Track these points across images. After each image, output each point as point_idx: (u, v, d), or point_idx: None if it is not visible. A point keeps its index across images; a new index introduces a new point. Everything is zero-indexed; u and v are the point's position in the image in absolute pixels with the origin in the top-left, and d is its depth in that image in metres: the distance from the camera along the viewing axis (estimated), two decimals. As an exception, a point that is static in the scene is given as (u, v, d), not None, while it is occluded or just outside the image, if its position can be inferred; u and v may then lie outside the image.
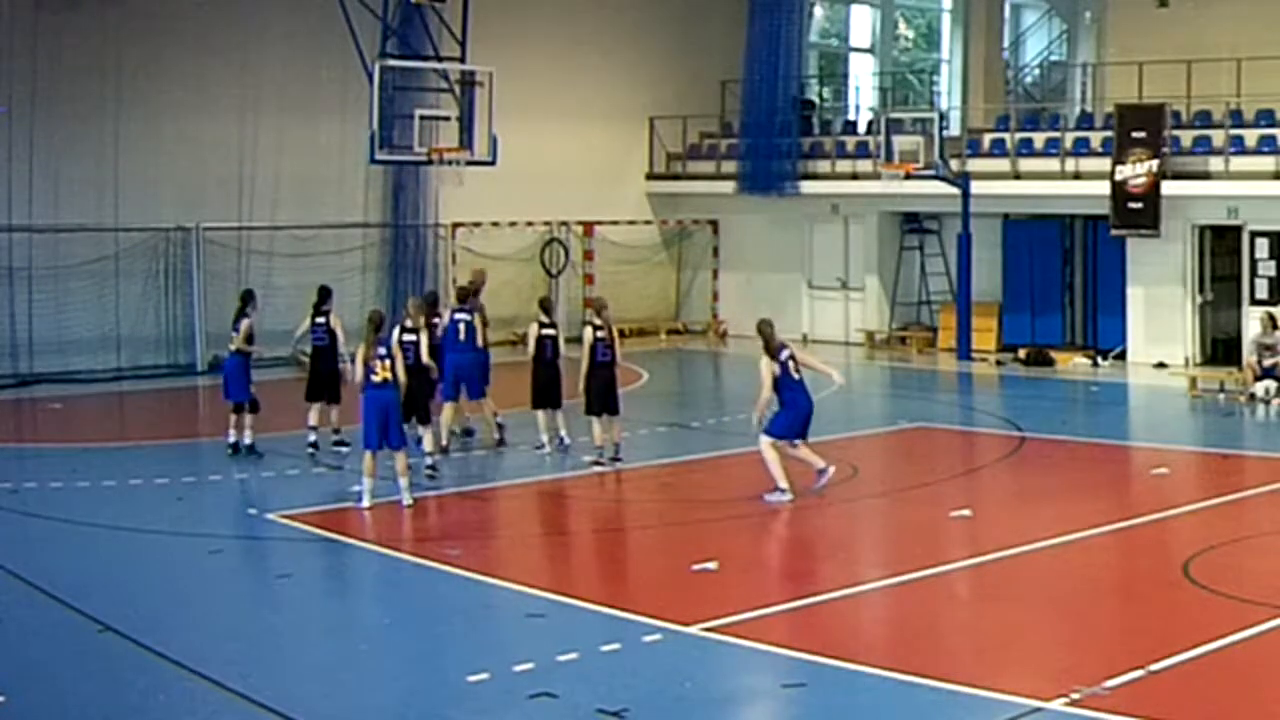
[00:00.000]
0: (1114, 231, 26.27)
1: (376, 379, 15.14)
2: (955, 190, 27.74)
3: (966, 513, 15.17)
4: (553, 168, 30.13)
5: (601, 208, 31.75)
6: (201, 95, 26.25)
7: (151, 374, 25.68)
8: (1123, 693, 9.42)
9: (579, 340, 17.75)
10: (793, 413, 15.68)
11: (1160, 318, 26.48)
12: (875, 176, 28.46)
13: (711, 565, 12.82)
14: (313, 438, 17.93)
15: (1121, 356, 27.06)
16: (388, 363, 15.19)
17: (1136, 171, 25.68)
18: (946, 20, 37.79)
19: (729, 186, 31.51)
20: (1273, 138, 25.26)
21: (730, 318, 32.53)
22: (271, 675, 10.18)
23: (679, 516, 15.37)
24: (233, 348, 18.20)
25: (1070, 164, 27.38)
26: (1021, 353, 27.81)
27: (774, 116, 30.69)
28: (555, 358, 18.07)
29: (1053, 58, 37.45)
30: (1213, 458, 19.11)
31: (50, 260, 24.78)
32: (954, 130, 30.57)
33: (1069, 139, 27.79)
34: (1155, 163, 25.51)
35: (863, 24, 37.10)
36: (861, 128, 31.91)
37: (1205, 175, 25.65)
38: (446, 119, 24.32)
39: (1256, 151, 25.35)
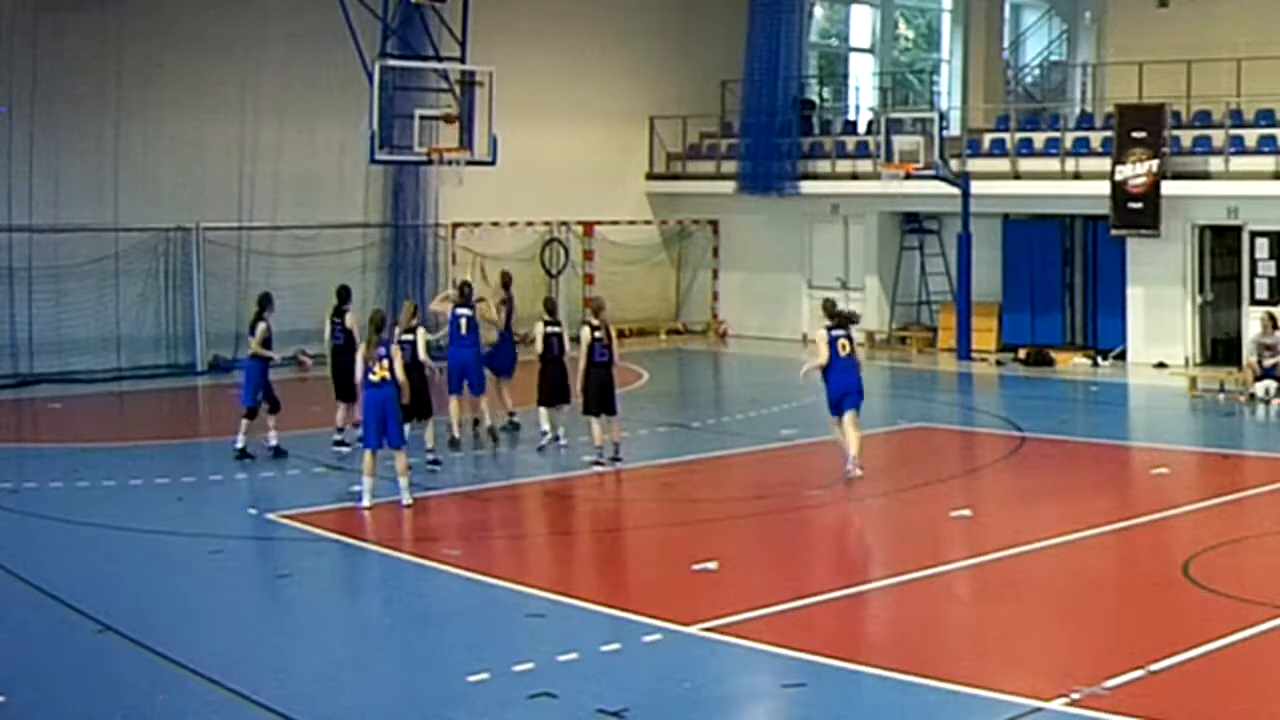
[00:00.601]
0: (1114, 231, 26.27)
1: (375, 378, 15.21)
2: (955, 190, 27.74)
3: (966, 513, 15.17)
4: (553, 168, 30.13)
5: (601, 208, 31.76)
6: (201, 95, 26.25)
7: (151, 374, 25.68)
8: (1123, 693, 9.42)
9: (577, 340, 17.81)
10: (829, 389, 16.67)
11: (1160, 318, 26.47)
12: (875, 176, 28.45)
13: (711, 565, 12.82)
14: (338, 436, 18.16)
15: (1121, 356, 27.06)
16: (386, 362, 15.24)
17: (1136, 171, 25.69)
18: (946, 20, 37.81)
19: (729, 186, 31.52)
20: (1273, 138, 25.26)
21: (730, 318, 32.54)
22: (271, 675, 10.18)
23: (679, 516, 15.38)
24: (250, 352, 18.15)
25: (1070, 164, 27.38)
26: (1021, 353, 27.82)
27: (774, 116, 30.69)
28: (561, 355, 18.30)
29: (1053, 58, 37.46)
30: (1213, 458, 19.11)
31: (50, 260, 24.77)
32: (954, 130, 30.58)
33: (1069, 139, 27.79)
34: (1155, 163, 25.51)
35: (863, 24, 37.11)
36: (861, 128, 31.92)
37: (1205, 175, 25.65)
38: (446, 119, 24.31)
39: (1256, 151, 25.35)
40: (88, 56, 24.89)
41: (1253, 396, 22.47)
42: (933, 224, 30.49)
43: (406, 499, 15.26)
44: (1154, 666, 9.88)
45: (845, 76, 37.39)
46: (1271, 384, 22.41)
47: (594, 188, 31.49)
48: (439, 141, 24.39)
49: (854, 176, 30.05)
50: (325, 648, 11.06)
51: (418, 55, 24.80)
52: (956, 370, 27.53)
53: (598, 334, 17.33)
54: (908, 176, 27.55)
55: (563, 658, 10.36)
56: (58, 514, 15.05)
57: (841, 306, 17.78)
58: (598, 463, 17.42)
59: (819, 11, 35.62)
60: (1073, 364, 27.09)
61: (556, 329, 18.42)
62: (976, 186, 27.75)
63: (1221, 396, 23.19)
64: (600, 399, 17.38)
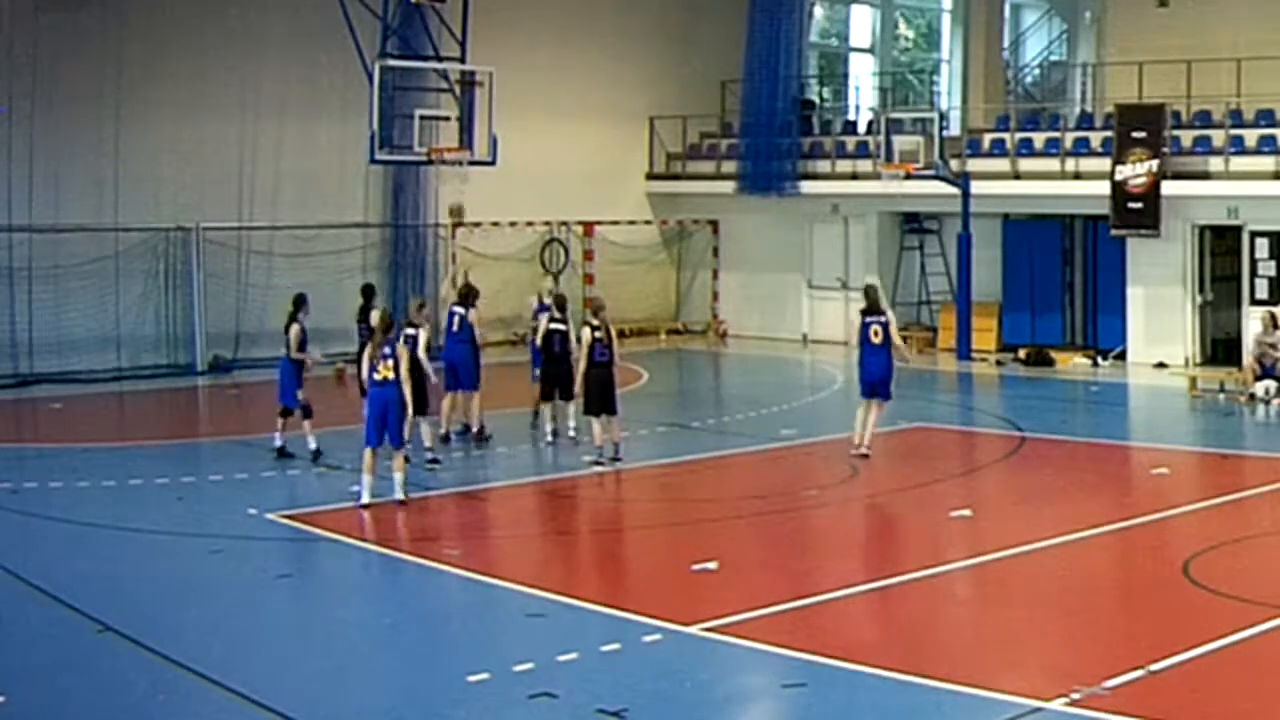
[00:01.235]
0: (1114, 231, 26.27)
1: (378, 377, 15.24)
2: (955, 190, 27.74)
3: (966, 513, 15.17)
4: (553, 168, 30.14)
5: (601, 208, 31.76)
6: (201, 95, 26.25)
7: (151, 374, 25.69)
8: (1123, 693, 9.42)
9: (577, 340, 17.86)
10: (860, 373, 18.10)
11: (1160, 318, 26.48)
12: (875, 176, 28.45)
13: (711, 565, 12.82)
14: None
15: (1121, 356, 27.06)
16: (390, 362, 15.26)
17: (1136, 171, 25.69)
18: (946, 20, 37.81)
19: (729, 186, 31.52)
20: (1273, 138, 25.26)
21: (730, 318, 32.55)
22: (271, 675, 10.18)
23: (679, 516, 15.37)
24: (285, 353, 18.11)
25: (1070, 164, 27.38)
26: (1021, 353, 27.82)
27: (774, 116, 30.69)
28: (565, 353, 18.35)
29: (1053, 58, 37.45)
30: (1213, 458, 19.10)
31: (50, 260, 24.77)
32: (954, 130, 30.58)
33: (1069, 139, 27.79)
34: (1155, 163, 25.51)
35: (863, 24, 37.12)
36: (861, 128, 31.92)
37: (1205, 175, 25.65)
38: (446, 119, 24.33)
39: (1256, 151, 25.35)
40: (88, 56, 24.89)
41: (1253, 396, 22.47)
42: (933, 224, 30.50)
43: (400, 494, 15.29)
44: (1154, 666, 9.88)
45: (845, 76, 37.40)
46: (1271, 384, 22.42)
47: (594, 188, 31.50)
48: (439, 141, 24.40)
49: (854, 176, 30.05)
50: (325, 648, 11.05)
51: (418, 55, 24.82)
52: (956, 370, 27.53)
53: (597, 334, 17.37)
54: (908, 176, 27.54)
55: (563, 658, 10.36)
56: (58, 514, 15.06)
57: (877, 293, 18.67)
58: (598, 462, 17.43)
59: (819, 11, 35.62)
60: (1073, 364, 27.09)
61: (562, 326, 18.50)
62: (976, 186, 27.75)
63: (1221, 396, 23.19)
64: (601, 399, 17.41)
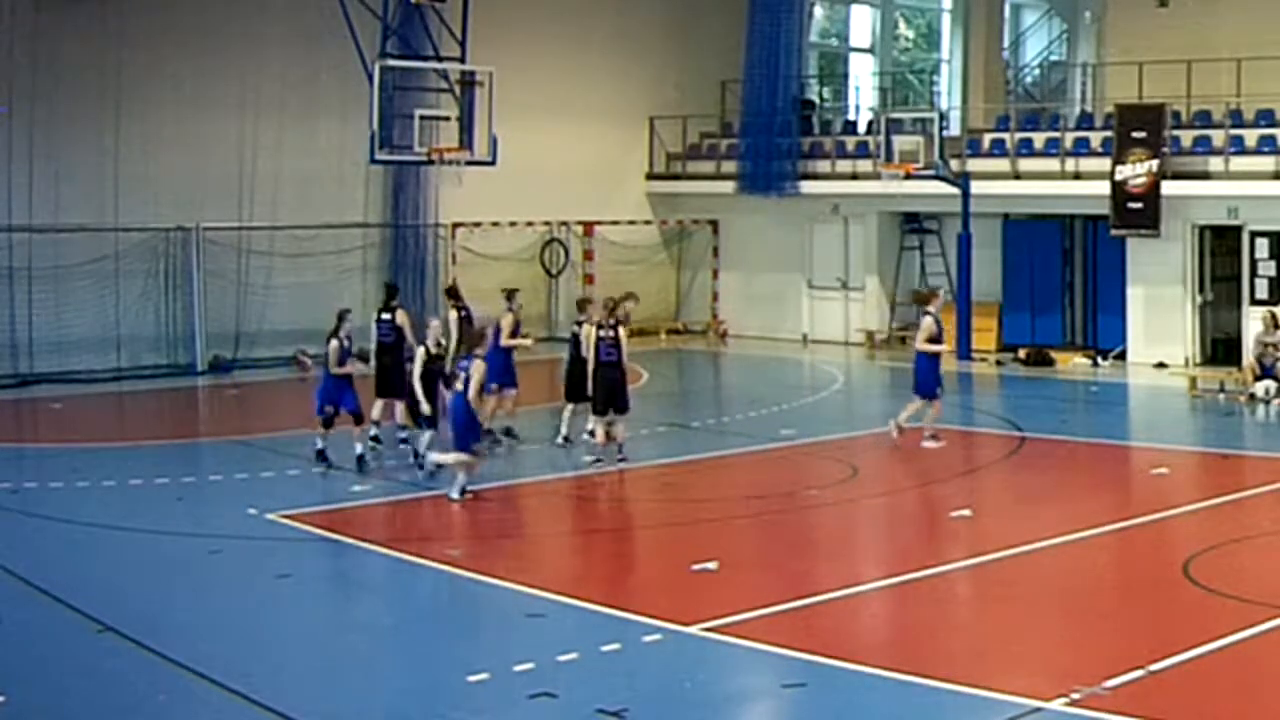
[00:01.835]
0: (1114, 231, 26.27)
1: (459, 386, 15.60)
2: (955, 190, 27.74)
3: (966, 513, 15.16)
4: (553, 168, 30.12)
5: (601, 208, 31.76)
6: (201, 95, 26.24)
7: (152, 374, 25.67)
8: (1123, 693, 9.42)
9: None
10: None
11: (1160, 318, 26.47)
12: (875, 176, 28.44)
13: (711, 565, 12.82)
14: (374, 431, 18.00)
15: (1121, 356, 27.05)
16: (464, 376, 15.51)
17: (1136, 171, 25.69)
18: (946, 20, 37.79)
19: (729, 186, 31.50)
20: (1273, 138, 25.26)
21: (730, 318, 32.54)
22: (271, 675, 10.17)
23: (679, 516, 15.37)
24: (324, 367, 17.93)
25: (1070, 164, 27.38)
26: (1021, 353, 27.82)
27: (774, 116, 30.67)
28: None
29: (1053, 58, 37.45)
30: (1213, 458, 19.10)
31: (50, 260, 24.75)
32: (954, 130, 30.58)
33: (1069, 139, 27.79)
34: (1155, 163, 25.51)
35: (863, 24, 37.10)
36: (861, 128, 31.91)
37: (1205, 175, 25.65)
38: (446, 119, 24.32)
39: (1256, 151, 25.35)
40: (88, 56, 24.87)
41: (1253, 396, 22.47)
42: (933, 224, 30.50)
43: (454, 493, 15.47)
44: (1154, 666, 9.88)
45: (845, 76, 37.38)
46: (1271, 384, 22.42)
47: (594, 188, 31.49)
48: (439, 141, 24.39)
49: (854, 176, 30.04)
50: (325, 648, 11.05)
51: (418, 55, 24.80)
52: (956, 370, 27.48)
53: (602, 333, 17.37)
54: (908, 176, 27.54)
55: (563, 658, 10.36)
56: (58, 514, 15.05)
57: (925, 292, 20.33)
58: (599, 461, 17.43)
59: (819, 11, 35.61)
60: (1073, 364, 27.09)
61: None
62: (976, 186, 27.74)
63: (1221, 396, 23.19)
64: (609, 397, 17.42)
